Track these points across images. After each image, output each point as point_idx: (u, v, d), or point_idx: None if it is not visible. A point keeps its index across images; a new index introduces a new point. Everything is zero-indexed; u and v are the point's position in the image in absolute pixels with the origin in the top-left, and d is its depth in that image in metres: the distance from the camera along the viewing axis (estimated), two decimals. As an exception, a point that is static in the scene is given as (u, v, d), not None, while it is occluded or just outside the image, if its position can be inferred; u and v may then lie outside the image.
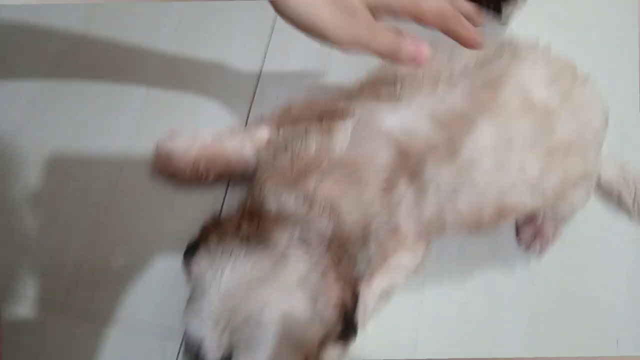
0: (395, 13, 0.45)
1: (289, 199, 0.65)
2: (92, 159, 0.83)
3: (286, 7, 0.41)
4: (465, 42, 0.51)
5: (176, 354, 0.72)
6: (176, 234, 0.79)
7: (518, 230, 0.87)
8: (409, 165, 0.67)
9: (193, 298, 0.60)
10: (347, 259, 0.66)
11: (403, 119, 0.67)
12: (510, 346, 0.80)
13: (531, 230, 0.85)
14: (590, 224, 0.89)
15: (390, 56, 0.46)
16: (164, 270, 0.77)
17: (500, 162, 0.68)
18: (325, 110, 0.72)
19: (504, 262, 0.86)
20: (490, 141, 0.67)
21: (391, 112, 0.68)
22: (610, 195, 0.91)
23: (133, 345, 0.73)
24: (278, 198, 0.66)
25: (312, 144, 0.68)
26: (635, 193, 0.89)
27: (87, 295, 0.75)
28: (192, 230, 0.66)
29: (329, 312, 0.60)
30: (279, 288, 0.58)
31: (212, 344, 0.57)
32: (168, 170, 0.79)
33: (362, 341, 0.72)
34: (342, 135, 0.68)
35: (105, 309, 0.74)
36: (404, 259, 0.74)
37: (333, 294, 0.61)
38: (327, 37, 0.42)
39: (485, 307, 0.83)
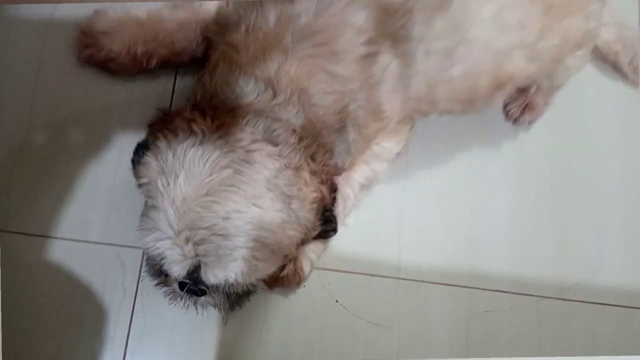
0: None
1: (247, 85, 0.55)
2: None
3: None
4: None
5: (138, 265, 0.66)
6: (120, 132, 0.69)
7: (506, 104, 0.79)
8: (392, 24, 0.57)
9: (147, 207, 0.53)
10: (323, 150, 0.58)
11: None
12: (494, 237, 0.76)
13: (520, 101, 0.78)
14: (579, 88, 0.82)
15: None
16: (110, 175, 0.68)
17: (498, 15, 0.59)
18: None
19: (491, 141, 0.79)
20: None
21: None
22: (607, 57, 0.84)
23: (88, 259, 0.66)
24: (234, 84, 0.56)
25: (270, 13, 0.57)
26: (632, 55, 0.82)
27: (24, 203, 0.66)
28: (137, 127, 0.59)
29: (306, 211, 0.54)
30: (245, 192, 0.50)
31: (174, 257, 0.51)
32: (98, 57, 0.66)
33: (342, 234, 0.67)
34: None
35: (52, 218, 0.66)
36: (386, 144, 0.67)
37: (309, 192, 0.54)
38: None
39: (470, 193, 0.77)
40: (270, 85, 0.55)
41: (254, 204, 0.50)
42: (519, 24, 0.60)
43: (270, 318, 0.68)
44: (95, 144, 0.68)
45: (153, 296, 0.64)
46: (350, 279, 0.71)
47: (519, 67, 0.63)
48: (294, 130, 0.54)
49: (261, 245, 0.51)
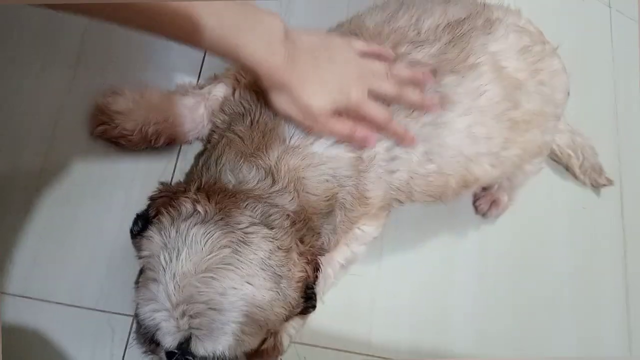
0: (351, 115, 0.63)
1: (249, 173, 0.61)
2: (19, 117, 0.73)
3: (271, 102, 0.62)
4: (398, 141, 0.66)
5: (127, 332, 0.68)
6: (122, 202, 0.72)
7: (475, 199, 0.90)
8: None
9: (146, 278, 0.55)
10: (311, 233, 0.63)
11: None
12: (461, 308, 0.83)
13: (487, 198, 0.88)
14: (538, 187, 0.92)
15: (345, 141, 0.63)
16: (109, 242, 0.71)
17: (471, 127, 0.68)
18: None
19: (457, 229, 0.88)
20: (461, 102, 0.67)
21: None
22: (560, 159, 0.95)
23: (80, 324, 0.67)
24: (237, 171, 0.61)
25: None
26: (582, 159, 0.94)
27: (25, 273, 0.67)
28: (140, 199, 0.61)
29: (292, 290, 0.58)
30: (241, 270, 0.54)
31: (169, 329, 0.53)
32: (111, 134, 0.70)
33: (319, 310, 0.71)
34: None
35: (48, 283, 0.67)
36: (367, 228, 0.73)
37: (296, 272, 0.59)
38: (297, 124, 0.62)
39: (437, 276, 0.85)
40: (270, 174, 0.60)
41: (247, 282, 0.54)
42: (487, 137, 0.69)
43: (248, 389, 0.70)
44: (97, 214, 0.71)
45: None
46: (324, 354, 0.74)
47: (484, 171, 0.72)
48: (288, 215, 0.59)
49: (250, 321, 0.54)
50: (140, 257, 0.57)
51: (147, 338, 0.57)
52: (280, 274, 0.56)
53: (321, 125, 0.61)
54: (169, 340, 0.54)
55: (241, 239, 0.55)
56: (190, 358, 0.55)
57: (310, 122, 0.61)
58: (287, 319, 0.61)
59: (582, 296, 0.90)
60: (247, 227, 0.56)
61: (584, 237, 0.94)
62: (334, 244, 0.69)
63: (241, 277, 0.54)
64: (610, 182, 0.95)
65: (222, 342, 0.53)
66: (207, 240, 0.54)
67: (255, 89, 0.65)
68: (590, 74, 1.07)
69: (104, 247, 0.70)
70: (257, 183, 0.60)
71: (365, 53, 0.65)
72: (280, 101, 0.61)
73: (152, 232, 0.56)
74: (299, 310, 0.61)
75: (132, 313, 0.66)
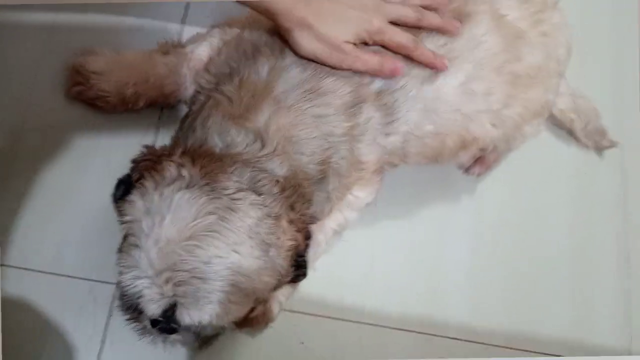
0: (376, 44, 0.62)
1: (237, 136, 0.57)
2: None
3: (295, 44, 0.60)
4: (428, 66, 0.63)
5: (110, 300, 0.66)
6: (101, 167, 0.69)
7: None
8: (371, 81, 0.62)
9: (128, 244, 0.53)
10: (302, 200, 0.60)
11: None
12: (454, 275, 0.82)
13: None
14: (535, 150, 0.89)
15: (375, 74, 0.62)
16: (89, 209, 0.68)
17: (468, 82, 0.65)
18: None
19: (452, 197, 0.86)
20: (456, 50, 0.64)
21: None
22: (562, 124, 0.92)
23: (62, 292, 0.66)
24: (225, 134, 0.58)
25: (262, 66, 0.60)
26: (586, 122, 0.91)
27: (3, 241, 0.65)
28: (121, 163, 0.57)
29: (282, 258, 0.56)
30: (228, 238, 0.52)
31: (152, 296, 0.51)
32: (87, 95, 0.67)
33: (310, 277, 0.69)
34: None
35: (28, 251, 0.65)
36: (359, 193, 0.70)
37: (286, 240, 0.56)
38: (324, 62, 0.61)
39: (431, 244, 0.83)
40: (260, 137, 0.57)
41: (234, 250, 0.51)
42: (486, 92, 0.66)
43: (237, 357, 0.69)
44: (75, 179, 0.68)
45: (122, 333, 0.63)
46: (315, 322, 0.73)
47: (485, 130, 0.69)
48: (277, 181, 0.57)
49: (237, 290, 0.52)
50: (122, 223, 0.55)
51: (131, 306, 0.55)
52: (268, 242, 0.54)
53: (350, 57, 0.60)
54: (153, 308, 0.52)
55: (228, 205, 0.52)
56: (176, 326, 0.53)
57: (337, 56, 0.60)
58: (277, 287, 0.59)
59: (580, 266, 0.88)
60: (234, 192, 0.53)
61: (585, 204, 0.92)
62: (328, 213, 0.67)
63: (227, 245, 0.51)
64: (613, 144, 0.93)
65: (208, 311, 0.52)
66: (191, 206, 0.51)
67: (241, 48, 0.61)
68: (592, 33, 1.03)
69: (84, 214, 0.68)
70: (246, 147, 0.57)
71: None
72: (303, 41, 0.59)
73: (135, 197, 0.54)
74: (288, 279, 0.59)
75: (115, 281, 0.65)
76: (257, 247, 0.53)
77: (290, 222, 0.57)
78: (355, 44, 0.61)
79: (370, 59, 0.60)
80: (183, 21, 0.77)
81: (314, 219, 0.64)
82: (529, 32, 0.67)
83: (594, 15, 1.06)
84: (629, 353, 0.85)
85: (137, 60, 0.67)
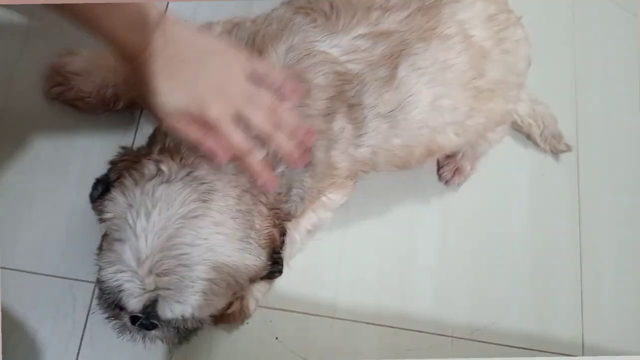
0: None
1: None
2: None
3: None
4: (285, 160, 0.60)
5: (89, 299, 0.67)
6: (80, 168, 0.70)
7: (439, 168, 0.92)
8: (348, 92, 0.64)
9: (110, 240, 0.54)
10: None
11: (340, 42, 0.64)
12: (423, 273, 0.85)
13: (451, 166, 0.90)
14: (497, 154, 0.94)
15: (195, 145, 0.56)
16: (68, 208, 0.68)
17: (436, 100, 0.68)
18: (255, 31, 0.64)
19: (421, 197, 0.90)
20: (428, 71, 0.67)
21: (328, 36, 0.64)
22: (521, 129, 0.98)
23: (41, 291, 0.66)
24: None
25: None
26: (543, 127, 0.97)
27: None
28: (98, 165, 0.59)
29: (260, 248, 0.58)
30: (212, 219, 0.53)
31: (133, 290, 0.52)
32: (67, 96, 0.67)
33: (285, 275, 0.72)
34: (275, 57, 0.62)
35: (6, 250, 0.65)
36: (333, 196, 0.73)
37: (264, 225, 0.58)
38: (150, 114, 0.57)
39: (401, 242, 0.86)
40: None
41: (217, 232, 0.53)
42: (452, 107, 0.70)
43: (214, 353, 0.71)
44: (54, 178, 0.68)
45: (101, 331, 0.65)
46: (290, 318, 0.76)
47: (449, 140, 0.73)
48: None
49: (219, 278, 0.54)
50: (102, 221, 0.56)
51: (110, 302, 0.55)
52: (250, 223, 0.56)
53: (170, 123, 0.56)
54: (133, 303, 0.52)
55: (208, 189, 0.54)
56: (155, 321, 0.54)
57: (160, 116, 0.56)
58: (254, 280, 0.61)
59: (539, 263, 0.94)
60: (212, 181, 0.55)
61: (543, 204, 0.98)
62: (301, 212, 0.69)
63: (211, 226, 0.53)
64: (569, 148, 0.99)
65: (191, 302, 0.53)
66: (176, 197, 0.53)
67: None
68: (551, 44, 1.09)
69: (62, 213, 0.68)
70: None
71: (261, 78, 0.59)
72: (135, 88, 0.56)
73: (115, 194, 0.55)
74: (265, 272, 0.61)
75: (94, 279, 0.65)
76: (239, 228, 0.55)
77: (269, 208, 0.59)
78: (183, 115, 0.55)
79: (191, 133, 0.55)
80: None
81: (288, 216, 0.66)
82: (492, 51, 0.71)
83: (554, 26, 1.12)
84: (581, 345, 0.91)
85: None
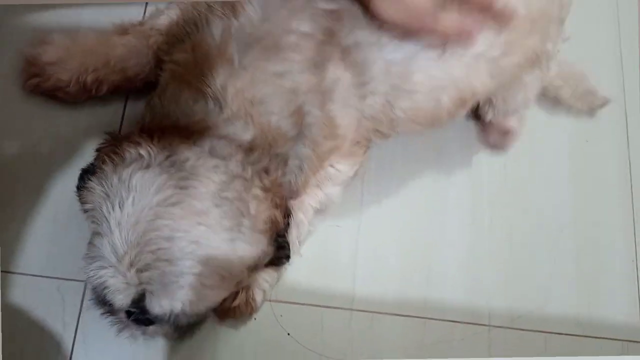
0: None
1: (195, 103, 0.54)
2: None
3: (375, 11, 0.54)
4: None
5: (80, 298, 0.63)
6: (64, 160, 0.66)
7: (482, 134, 0.82)
8: (340, 31, 0.56)
9: (93, 234, 0.51)
10: (276, 161, 0.57)
11: None
12: (447, 268, 0.76)
13: (497, 130, 0.80)
14: (532, 122, 0.85)
15: (451, 39, 0.58)
16: (53, 204, 0.65)
17: None
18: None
19: (446, 171, 0.81)
20: None
21: None
22: (550, 93, 0.88)
23: (28, 292, 0.63)
24: (183, 103, 0.55)
25: (215, 27, 0.56)
26: (575, 86, 0.87)
27: None
28: (84, 156, 0.58)
29: (257, 233, 0.53)
30: (191, 207, 0.48)
31: (117, 286, 0.49)
32: (45, 87, 0.64)
33: (296, 264, 0.66)
34: (251, 9, 0.56)
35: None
36: (340, 166, 0.66)
37: (261, 210, 0.53)
38: (404, 27, 0.56)
39: (424, 223, 0.78)
40: (217, 101, 0.54)
41: (199, 223, 0.48)
42: (484, 37, 0.60)
43: (220, 352, 0.65)
44: (37, 174, 0.66)
45: (94, 331, 0.61)
46: (303, 311, 0.69)
47: (483, 82, 0.63)
48: (242, 146, 0.54)
49: (209, 270, 0.49)
50: (85, 212, 0.53)
51: (101, 299, 0.52)
52: (241, 210, 0.51)
53: (429, 23, 0.55)
54: (120, 299, 0.50)
55: (187, 175, 0.49)
56: (150, 316, 0.51)
57: (417, 22, 0.55)
58: (256, 268, 0.56)
59: (583, 245, 0.83)
60: (194, 162, 0.50)
61: (588, 173, 0.87)
62: (302, 184, 0.62)
63: (190, 216, 0.48)
64: (606, 101, 0.89)
65: (180, 297, 0.49)
66: (151, 184, 0.49)
67: (196, 10, 0.58)
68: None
69: (47, 209, 0.65)
70: (205, 114, 0.54)
71: None
72: (382, 6, 0.54)
73: (93, 183, 0.51)
74: (268, 258, 0.56)
75: (84, 278, 0.60)
76: (226, 216, 0.50)
77: (265, 190, 0.54)
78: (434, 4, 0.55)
79: (451, 25, 0.55)
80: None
81: (291, 194, 0.61)
82: None
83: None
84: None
85: (94, 44, 0.64)
